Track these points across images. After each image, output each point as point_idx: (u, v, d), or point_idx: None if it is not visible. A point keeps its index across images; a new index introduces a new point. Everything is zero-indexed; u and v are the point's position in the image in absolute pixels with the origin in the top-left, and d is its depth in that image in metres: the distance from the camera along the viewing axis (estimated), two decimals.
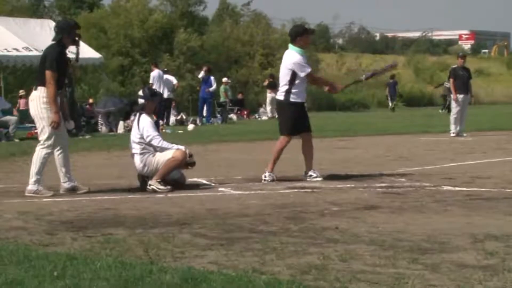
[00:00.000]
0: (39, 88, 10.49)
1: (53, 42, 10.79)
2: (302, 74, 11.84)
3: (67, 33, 10.72)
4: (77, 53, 11.37)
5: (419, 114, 40.82)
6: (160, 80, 30.36)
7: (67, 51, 10.99)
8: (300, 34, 12.05)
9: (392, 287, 5.29)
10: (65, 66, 10.79)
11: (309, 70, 12.01)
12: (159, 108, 19.00)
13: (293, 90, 11.92)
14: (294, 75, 11.85)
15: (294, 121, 11.96)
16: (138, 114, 11.31)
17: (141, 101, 11.52)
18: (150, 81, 29.74)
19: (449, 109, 42.51)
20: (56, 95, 10.39)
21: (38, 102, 10.45)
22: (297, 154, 12.24)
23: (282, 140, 11.98)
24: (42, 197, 10.08)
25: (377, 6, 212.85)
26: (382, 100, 59.48)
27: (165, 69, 34.59)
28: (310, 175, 11.86)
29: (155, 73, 30.68)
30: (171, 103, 32.79)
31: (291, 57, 11.98)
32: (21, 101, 29.14)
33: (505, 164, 14.21)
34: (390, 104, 47.30)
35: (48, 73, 10.26)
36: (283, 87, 12.00)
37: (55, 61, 10.40)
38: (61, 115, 10.44)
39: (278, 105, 12.64)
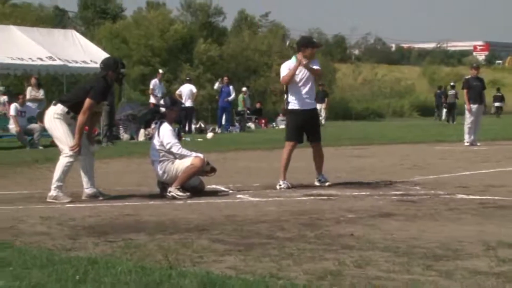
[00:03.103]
0: (58, 105, 10.74)
1: (99, 76, 11.03)
2: (282, 79, 12.00)
3: (112, 70, 10.93)
4: (120, 91, 11.72)
5: (433, 123, 40.65)
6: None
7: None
8: (304, 45, 11.98)
9: None
10: (104, 100, 10.96)
11: (282, 76, 11.97)
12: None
13: (290, 98, 12.01)
14: (287, 85, 11.98)
15: (293, 128, 12.02)
16: (159, 122, 11.36)
17: (162, 109, 11.60)
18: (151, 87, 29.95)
19: (449, 119, 42.82)
20: (85, 123, 10.57)
21: (52, 118, 10.69)
22: (312, 162, 12.23)
23: (285, 146, 12.01)
24: (62, 203, 10.14)
25: (393, 17, 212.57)
26: (397, 110, 59.48)
27: (187, 78, 34.67)
28: (319, 180, 11.96)
29: (155, 82, 30.57)
30: (193, 111, 32.84)
31: (285, 65, 12.08)
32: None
33: None
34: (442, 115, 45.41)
35: (89, 102, 10.47)
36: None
37: (99, 94, 10.64)
38: (85, 137, 10.71)
39: None
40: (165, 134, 11.02)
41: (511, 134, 26.84)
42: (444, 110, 45.51)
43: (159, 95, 28.89)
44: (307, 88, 11.91)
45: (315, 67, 11.87)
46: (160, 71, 32.10)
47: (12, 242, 7.26)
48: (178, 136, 12.65)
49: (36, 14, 49.17)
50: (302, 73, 11.75)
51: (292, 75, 11.71)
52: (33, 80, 26.29)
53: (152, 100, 29.29)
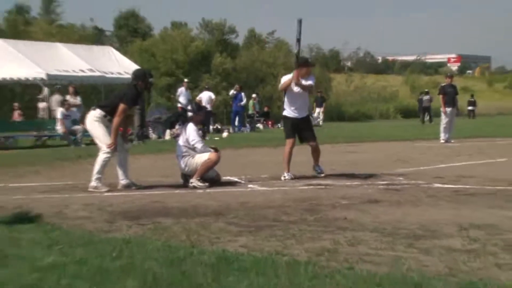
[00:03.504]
0: (97, 109, 10.79)
1: (131, 85, 11.06)
2: (280, 86, 12.23)
3: (141, 80, 10.96)
4: (149, 97, 11.81)
5: (415, 124, 40.57)
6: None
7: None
8: (301, 64, 12.01)
9: (392, 267, 5.28)
10: (135, 105, 10.98)
11: (281, 83, 12.19)
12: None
13: (285, 105, 12.22)
14: (284, 94, 12.20)
15: (288, 128, 12.15)
16: (186, 123, 11.42)
17: (188, 113, 11.67)
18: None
19: (423, 120, 42.74)
20: (120, 125, 10.61)
21: (92, 120, 10.72)
22: (311, 157, 12.23)
23: (286, 144, 12.08)
24: (101, 192, 10.17)
25: (380, 34, 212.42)
26: (383, 112, 59.38)
27: (206, 86, 34.66)
28: (316, 170, 12.05)
29: (181, 90, 30.50)
30: (211, 115, 32.84)
31: (285, 77, 12.22)
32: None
33: (486, 165, 14.11)
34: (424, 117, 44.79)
35: (122, 106, 10.53)
36: None
37: (131, 100, 10.69)
38: (120, 137, 10.74)
39: None
40: (190, 132, 11.07)
41: (481, 133, 26.78)
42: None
43: (185, 101, 28.86)
44: (300, 102, 12.11)
45: (309, 82, 11.93)
46: (185, 80, 32.03)
47: (60, 225, 7.30)
48: (203, 136, 12.70)
49: (79, 33, 49.22)
50: (297, 89, 11.88)
51: (287, 86, 11.94)
52: (71, 89, 26.35)
53: (179, 104, 29.24)
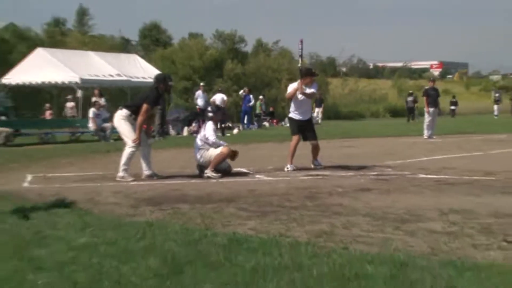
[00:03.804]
0: (123, 109, 10.83)
1: (153, 88, 11.05)
2: (287, 94, 12.24)
3: (162, 83, 10.97)
4: (170, 98, 11.84)
5: (401, 122, 40.49)
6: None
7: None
8: (305, 74, 12.06)
9: (381, 247, 5.28)
10: (157, 105, 10.97)
11: (288, 92, 12.21)
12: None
13: (291, 109, 12.26)
14: (290, 99, 12.22)
15: (294, 126, 12.15)
16: (206, 121, 11.48)
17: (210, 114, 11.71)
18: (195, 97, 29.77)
19: (409, 119, 42.67)
20: (143, 123, 10.61)
21: (119, 119, 10.76)
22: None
23: (292, 140, 12.06)
24: (127, 181, 10.19)
25: (371, 43, 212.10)
26: (374, 112, 59.22)
27: (219, 89, 34.62)
28: (315, 164, 12.01)
29: (199, 93, 30.43)
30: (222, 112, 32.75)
31: (291, 86, 12.26)
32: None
33: (464, 158, 14.09)
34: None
35: (145, 106, 10.54)
36: None
37: (152, 101, 10.69)
38: (144, 133, 10.74)
39: None
40: (208, 129, 11.16)
41: (460, 130, 26.71)
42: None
43: (202, 102, 28.81)
44: (304, 107, 12.15)
45: (311, 90, 11.98)
46: (201, 84, 31.98)
47: (92, 210, 7.32)
48: (222, 131, 12.77)
49: (108, 43, 49.29)
50: (301, 97, 11.90)
51: (293, 94, 11.95)
52: (96, 91, 26.37)
53: (198, 105, 29.18)
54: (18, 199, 8.14)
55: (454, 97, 55.50)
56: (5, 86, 29.53)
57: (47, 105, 31.18)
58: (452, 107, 52.81)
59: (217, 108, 12.30)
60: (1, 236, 5.75)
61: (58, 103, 32.28)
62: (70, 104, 29.83)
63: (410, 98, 44.94)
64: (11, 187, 9.49)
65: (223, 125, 24.96)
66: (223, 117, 16.82)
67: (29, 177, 11.07)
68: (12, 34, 43.60)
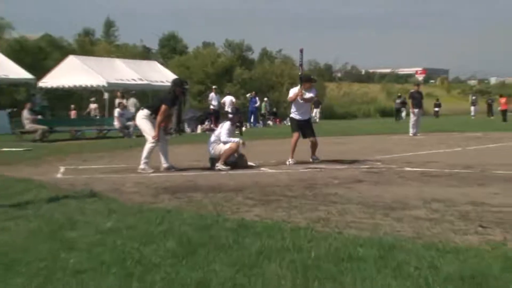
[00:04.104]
0: (144, 109, 10.91)
1: (170, 91, 11.06)
2: (289, 98, 12.24)
3: (178, 86, 11.00)
4: (185, 100, 11.93)
5: (389, 121, 40.43)
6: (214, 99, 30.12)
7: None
8: (305, 80, 12.12)
9: (372, 231, 5.27)
10: (174, 106, 10.96)
11: (289, 96, 12.20)
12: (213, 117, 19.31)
13: (292, 110, 12.25)
14: (291, 102, 12.18)
15: (295, 125, 12.13)
16: (224, 121, 11.58)
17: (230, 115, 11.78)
18: (209, 100, 29.62)
19: (396, 118, 42.70)
20: (162, 121, 10.63)
21: (140, 118, 10.82)
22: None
23: (293, 137, 12.05)
24: (148, 173, 10.19)
25: (363, 51, 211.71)
26: (366, 112, 59.16)
27: (228, 92, 34.63)
28: (313, 158, 11.99)
29: (212, 95, 30.36)
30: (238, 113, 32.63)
31: (292, 91, 12.24)
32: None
33: (446, 154, 14.05)
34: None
35: (163, 107, 10.59)
36: None
37: (170, 102, 10.72)
38: (162, 130, 10.74)
39: None
40: (224, 127, 11.19)
41: (442, 128, 26.68)
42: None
43: (216, 103, 28.77)
44: (303, 109, 12.15)
45: (310, 95, 12.04)
46: (214, 87, 31.97)
47: (116, 198, 7.33)
48: (240, 131, 12.75)
49: (131, 51, 49.42)
50: (301, 100, 11.92)
51: (294, 99, 11.96)
52: (118, 93, 26.48)
53: (212, 106, 29.12)
54: (53, 188, 8.16)
55: (438, 100, 55.53)
56: (41, 89, 29.71)
57: (72, 106, 31.38)
58: (436, 109, 52.78)
59: (236, 110, 12.32)
60: (38, 220, 5.77)
61: (80, 106, 32.41)
62: (93, 105, 30.05)
63: (398, 100, 45.04)
64: (46, 178, 9.51)
65: (241, 125, 25.00)
66: (240, 118, 16.86)
67: (62, 169, 11.10)
68: (48, 43, 43.81)
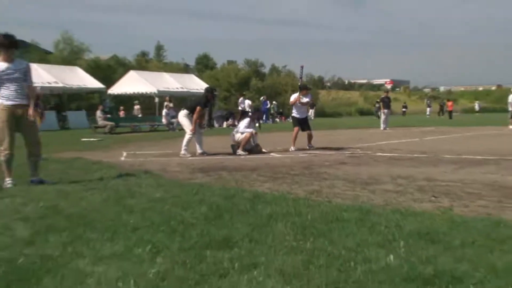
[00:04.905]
0: (184, 110, 10.92)
1: (203, 96, 11.05)
2: (290, 102, 12.19)
3: (209, 93, 11.03)
4: (214, 103, 12.05)
5: (366, 119, 40.14)
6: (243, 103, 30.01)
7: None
8: (302, 88, 12.02)
9: (353, 200, 5.23)
10: (206, 107, 10.96)
11: (291, 100, 12.10)
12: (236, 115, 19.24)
13: (293, 110, 12.18)
14: (293, 105, 12.12)
15: (296, 121, 12.01)
16: (245, 117, 11.60)
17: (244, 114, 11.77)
18: (240, 104, 29.56)
19: (377, 116, 42.51)
20: (197, 119, 10.63)
21: (181, 116, 10.86)
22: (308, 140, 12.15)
23: (294, 130, 11.98)
24: (187, 157, 10.19)
25: (346, 66, 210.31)
26: (348, 112, 58.78)
27: (243, 98, 34.62)
28: (309, 146, 11.89)
29: (244, 100, 30.32)
30: (248, 113, 32.64)
31: (292, 96, 12.20)
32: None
33: (407, 143, 13.91)
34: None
35: (198, 108, 10.63)
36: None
37: (203, 104, 10.72)
38: (198, 125, 10.72)
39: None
40: (244, 122, 11.23)
41: (405, 124, 26.50)
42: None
43: (244, 105, 28.58)
44: (302, 109, 12.06)
45: (306, 99, 11.93)
46: (244, 93, 31.84)
47: (164, 175, 7.34)
48: (259, 125, 12.81)
49: (175, 67, 49.48)
50: (300, 104, 11.88)
51: (294, 102, 11.93)
52: (167, 98, 26.56)
53: (240, 108, 28.91)
54: (118, 167, 8.20)
55: (405, 103, 55.83)
56: (109, 95, 29.92)
57: (121, 107, 31.44)
58: (404, 109, 52.74)
59: (256, 110, 12.40)
60: (107, 191, 5.79)
61: (142, 107, 32.51)
62: (136, 107, 30.11)
63: (377, 105, 44.93)
64: (113, 160, 9.57)
65: (259, 121, 25.03)
66: (259, 116, 16.90)
67: (124, 154, 11.15)
68: (115, 62, 44.15)
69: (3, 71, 6.15)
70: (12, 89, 6.18)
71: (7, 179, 6.23)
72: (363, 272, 3.01)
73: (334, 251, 3.39)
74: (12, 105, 6.18)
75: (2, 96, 6.18)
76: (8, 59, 6.18)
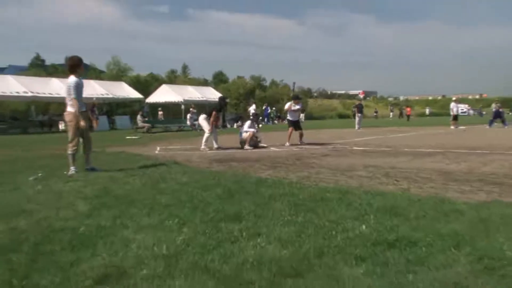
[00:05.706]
0: (203, 114, 10.83)
1: (218, 103, 10.94)
2: (285, 109, 12.04)
3: (223, 100, 11.04)
4: (226, 108, 12.06)
5: (345, 121, 39.96)
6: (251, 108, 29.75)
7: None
8: (294, 98, 11.90)
9: (335, 184, 5.19)
10: (220, 112, 10.89)
11: (285, 108, 11.93)
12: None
13: (288, 115, 12.05)
14: (287, 111, 11.96)
15: (290, 123, 11.90)
16: (249, 120, 11.44)
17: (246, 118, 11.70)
18: (250, 109, 29.29)
19: (353, 118, 42.32)
20: (213, 121, 10.53)
21: (201, 119, 10.77)
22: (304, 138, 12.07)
23: (288, 130, 11.89)
24: (206, 151, 10.16)
25: (329, 80, 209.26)
26: (331, 115, 58.53)
27: (251, 105, 34.53)
28: (300, 142, 11.75)
29: (252, 105, 30.02)
30: (257, 116, 32.37)
31: (287, 104, 12.06)
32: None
33: (376, 139, 13.77)
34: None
35: (214, 113, 10.54)
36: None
37: (218, 110, 10.64)
38: (214, 126, 10.61)
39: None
40: (247, 123, 11.12)
41: (375, 124, 26.33)
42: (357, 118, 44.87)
43: (254, 110, 28.35)
44: (295, 114, 11.90)
45: (297, 107, 11.77)
46: (253, 101, 31.72)
47: (188, 165, 7.32)
48: (258, 126, 12.73)
49: (197, 81, 49.40)
50: (293, 110, 11.77)
51: (288, 109, 11.81)
52: (192, 106, 26.47)
53: (252, 112, 28.54)
54: (153, 159, 8.19)
55: (376, 109, 56.03)
56: (147, 103, 29.95)
57: (160, 111, 31.23)
58: (375, 114, 52.86)
59: (255, 115, 12.36)
60: (145, 178, 5.79)
61: (168, 112, 32.35)
62: (160, 113, 30.07)
63: (353, 110, 44.67)
64: (150, 153, 9.56)
65: (258, 123, 25.00)
66: (258, 120, 16.88)
67: (158, 148, 11.14)
68: (151, 78, 44.26)
69: (81, 85, 6.23)
70: (81, 99, 6.25)
71: (72, 167, 6.25)
72: (342, 239, 3.03)
73: (320, 223, 3.39)
74: (82, 112, 6.25)
75: (77, 105, 6.18)
76: (80, 76, 6.24)
